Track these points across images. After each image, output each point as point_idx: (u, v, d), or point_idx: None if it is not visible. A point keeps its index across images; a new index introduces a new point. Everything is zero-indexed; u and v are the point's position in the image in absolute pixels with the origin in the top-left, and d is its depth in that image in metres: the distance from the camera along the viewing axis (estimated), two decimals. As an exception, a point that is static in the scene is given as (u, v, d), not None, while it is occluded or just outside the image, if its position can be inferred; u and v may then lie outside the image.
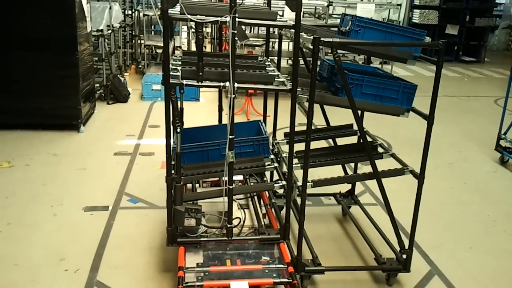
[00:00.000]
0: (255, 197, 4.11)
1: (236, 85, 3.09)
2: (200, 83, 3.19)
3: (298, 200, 3.55)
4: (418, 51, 3.46)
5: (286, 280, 3.15)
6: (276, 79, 3.33)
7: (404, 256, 3.59)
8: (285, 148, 4.09)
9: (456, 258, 4.12)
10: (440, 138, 7.01)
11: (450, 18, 14.54)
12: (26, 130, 6.59)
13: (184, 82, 3.13)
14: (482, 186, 5.65)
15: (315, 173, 3.67)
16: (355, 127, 4.04)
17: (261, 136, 3.75)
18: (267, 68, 3.68)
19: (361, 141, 3.63)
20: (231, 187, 3.30)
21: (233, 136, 3.17)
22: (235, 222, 3.49)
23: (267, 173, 4.40)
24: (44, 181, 5.21)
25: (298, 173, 3.47)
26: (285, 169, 3.82)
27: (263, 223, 3.72)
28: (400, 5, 11.38)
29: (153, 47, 11.49)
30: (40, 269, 3.71)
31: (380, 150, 3.98)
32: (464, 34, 14.64)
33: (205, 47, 12.62)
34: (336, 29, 3.87)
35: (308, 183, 3.38)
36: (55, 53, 6.45)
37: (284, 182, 3.51)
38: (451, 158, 6.46)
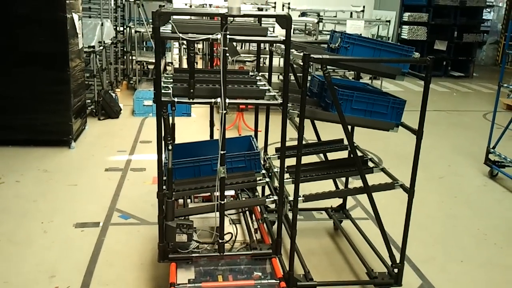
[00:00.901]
0: (247, 212, 4.11)
1: (227, 100, 3.12)
2: (191, 100, 3.22)
3: (290, 214, 3.56)
4: (407, 67, 3.52)
5: None
6: (267, 94, 3.36)
7: (396, 270, 3.60)
8: (276, 163, 4.12)
9: (447, 272, 4.14)
10: (430, 152, 7.07)
11: (439, 34, 14.76)
12: (17, 146, 6.57)
13: (176, 99, 3.15)
14: (472, 199, 5.70)
15: (307, 187, 3.69)
16: (346, 142, 4.07)
17: (252, 151, 3.77)
18: (258, 83, 3.72)
19: (352, 155, 3.66)
20: (222, 202, 3.30)
21: (224, 152, 3.18)
22: (227, 237, 3.49)
23: (259, 188, 4.41)
24: (35, 197, 5.18)
25: (290, 188, 3.49)
26: (276, 184, 3.84)
27: (255, 238, 3.73)
28: (389, 21, 11.52)
29: (144, 63, 11.53)
30: (30, 286, 3.67)
31: (370, 164, 4.02)
32: (452, 50, 14.85)
33: (197, 63, 12.67)
34: (326, 45, 3.92)
35: (299, 198, 3.40)
36: (47, 69, 6.45)
37: (275, 197, 3.52)
38: (441, 172, 6.51)
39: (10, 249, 4.18)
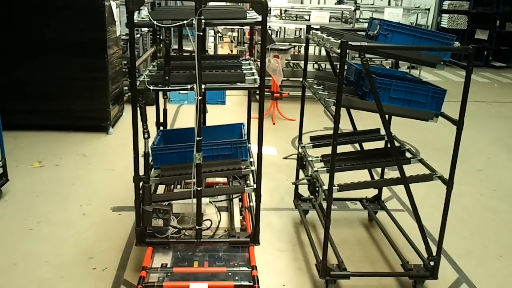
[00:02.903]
0: (237, 199, 4.10)
1: (203, 86, 3.10)
2: (167, 87, 3.23)
3: (324, 204, 3.53)
4: (448, 55, 3.41)
5: (247, 283, 3.12)
6: (247, 78, 3.31)
7: (432, 263, 3.54)
8: (311, 151, 4.10)
9: (485, 266, 4.04)
10: (469, 144, 6.89)
11: (480, 22, 14.30)
12: (57, 131, 6.75)
13: (151, 87, 3.16)
14: (512, 193, 5.54)
15: (341, 177, 3.66)
16: (383, 132, 4.01)
17: (239, 139, 3.73)
18: (243, 67, 3.64)
19: (389, 145, 3.60)
20: (199, 188, 3.29)
21: (200, 138, 3.18)
22: (207, 224, 3.48)
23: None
24: (74, 181, 5.32)
25: (324, 177, 3.46)
26: (310, 172, 3.82)
27: (239, 226, 3.70)
28: (428, 9, 11.22)
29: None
30: (69, 267, 3.79)
31: (408, 155, 3.94)
32: (494, 39, 14.38)
33: (231, 51, 12.68)
34: (363, 33, 3.85)
35: (334, 187, 3.36)
36: (85, 56, 6.58)
37: (254, 186, 3.43)
38: (480, 165, 6.34)
39: (50, 230, 4.31)
